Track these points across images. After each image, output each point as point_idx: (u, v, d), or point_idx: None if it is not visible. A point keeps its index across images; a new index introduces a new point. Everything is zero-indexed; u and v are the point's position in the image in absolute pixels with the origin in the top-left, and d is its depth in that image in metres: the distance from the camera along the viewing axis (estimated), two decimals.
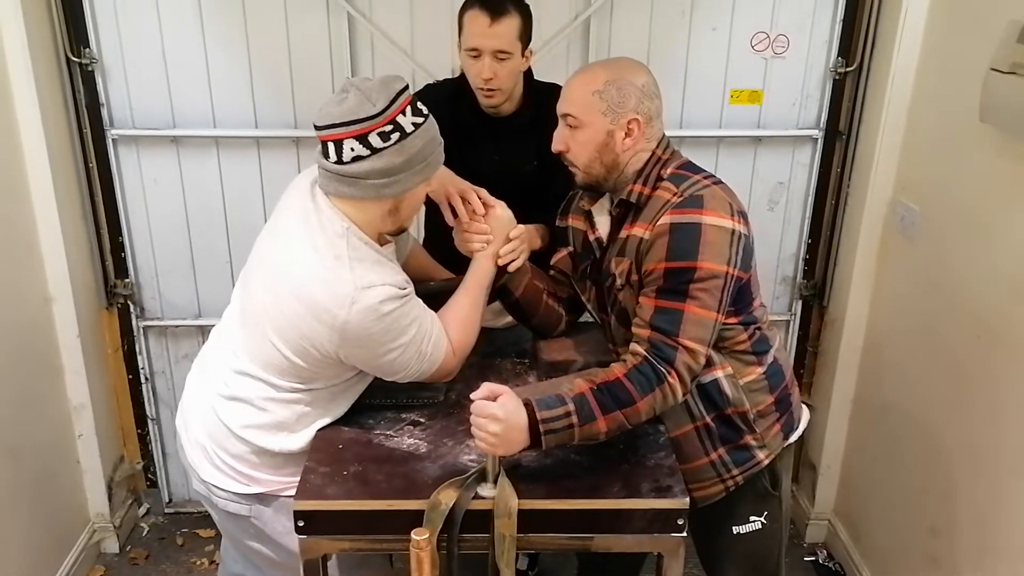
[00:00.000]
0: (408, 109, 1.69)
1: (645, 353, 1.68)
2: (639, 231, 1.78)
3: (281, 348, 1.74)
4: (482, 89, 2.22)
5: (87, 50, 2.68)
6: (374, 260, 1.74)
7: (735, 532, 1.97)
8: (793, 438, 1.97)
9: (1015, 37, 1.97)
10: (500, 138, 2.35)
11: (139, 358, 3.08)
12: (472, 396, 1.62)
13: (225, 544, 2.26)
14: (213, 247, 2.94)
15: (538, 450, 1.64)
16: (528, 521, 1.61)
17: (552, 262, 2.11)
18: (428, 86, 2.49)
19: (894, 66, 2.59)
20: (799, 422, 2.00)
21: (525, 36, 2.21)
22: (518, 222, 2.06)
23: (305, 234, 1.73)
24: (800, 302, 3.11)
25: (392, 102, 1.66)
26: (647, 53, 2.76)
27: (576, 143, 1.82)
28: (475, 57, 2.18)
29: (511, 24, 2.15)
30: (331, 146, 1.68)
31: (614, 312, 1.90)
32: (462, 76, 2.33)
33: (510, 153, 2.35)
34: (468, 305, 1.94)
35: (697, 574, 2.87)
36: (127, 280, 2.97)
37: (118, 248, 2.93)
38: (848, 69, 2.79)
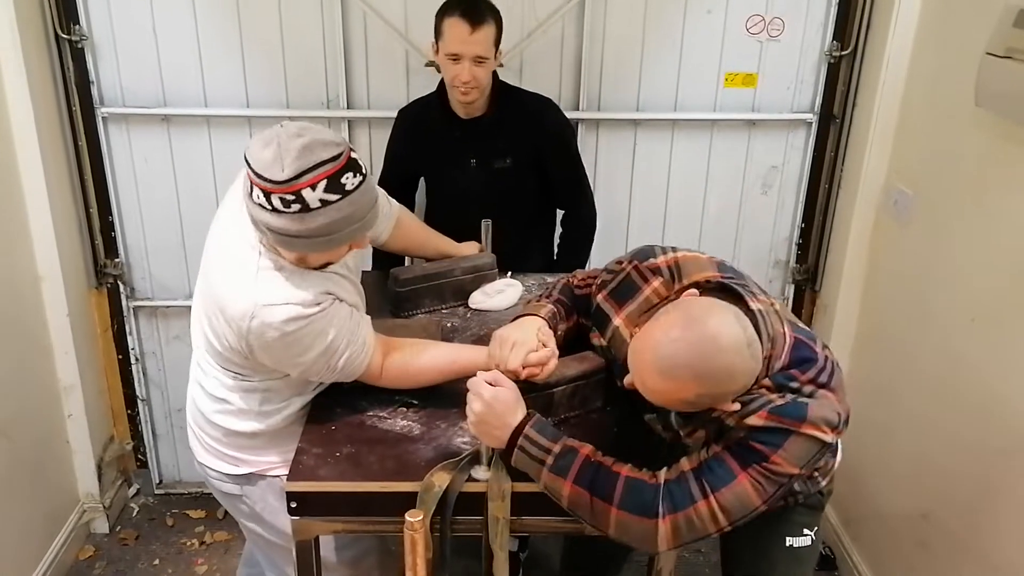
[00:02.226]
0: (322, 184, 1.54)
1: (663, 483, 1.51)
2: (722, 414, 1.52)
3: (212, 340, 1.78)
4: (459, 88, 2.36)
5: (76, 27, 2.65)
6: (287, 274, 1.67)
7: (788, 544, 1.89)
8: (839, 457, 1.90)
9: (1011, 21, 1.96)
10: (474, 140, 2.50)
11: (129, 338, 3.07)
12: (479, 374, 1.61)
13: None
14: (204, 227, 2.82)
15: (507, 458, 1.59)
16: (522, 504, 1.61)
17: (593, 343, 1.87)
18: (401, 111, 2.61)
19: (889, 50, 2.58)
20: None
21: (499, 40, 2.36)
22: (496, 221, 2.18)
23: (229, 237, 1.74)
24: (792, 286, 3.11)
25: (301, 175, 1.52)
26: (642, 35, 2.75)
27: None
28: (455, 61, 2.31)
29: (489, 31, 2.31)
30: (246, 180, 1.60)
31: (667, 432, 1.69)
32: (438, 89, 2.52)
33: (484, 153, 2.50)
34: (434, 363, 1.84)
35: (688, 558, 2.90)
36: (117, 260, 2.95)
37: (108, 227, 2.91)
38: (843, 53, 2.78)
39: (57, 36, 2.63)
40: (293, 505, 1.64)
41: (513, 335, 1.74)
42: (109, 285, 3.00)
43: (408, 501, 1.58)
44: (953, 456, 2.32)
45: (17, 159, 2.59)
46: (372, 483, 1.64)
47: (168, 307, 3.04)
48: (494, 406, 1.57)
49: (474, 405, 1.58)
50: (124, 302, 3.01)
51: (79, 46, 2.67)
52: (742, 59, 2.80)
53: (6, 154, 2.56)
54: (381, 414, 1.83)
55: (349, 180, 1.57)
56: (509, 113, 2.48)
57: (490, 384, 1.59)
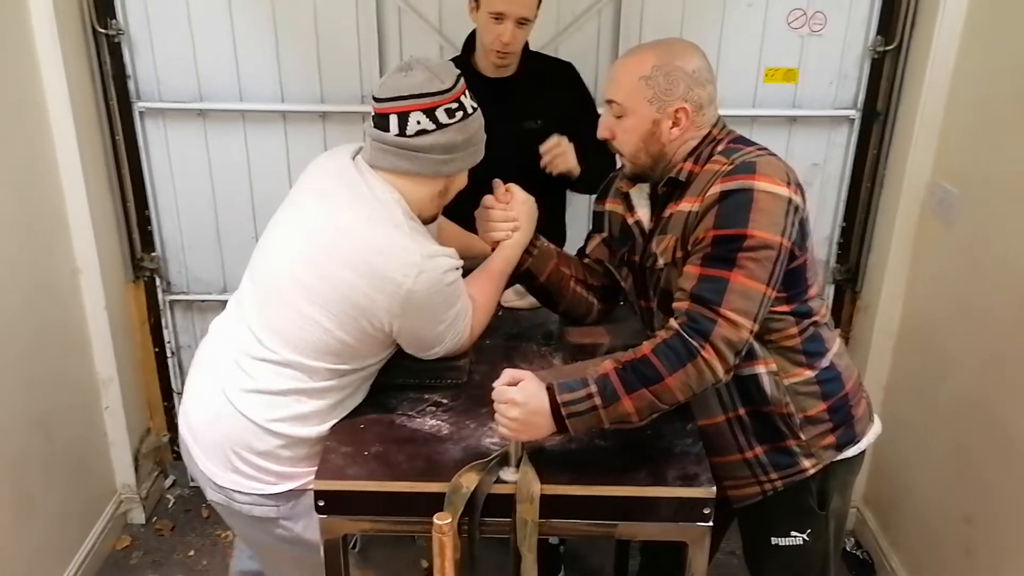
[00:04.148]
0: (466, 91, 1.73)
1: (679, 327, 1.57)
2: (686, 205, 1.68)
3: (324, 322, 1.67)
4: (498, 52, 2.29)
5: (114, 21, 2.67)
6: (425, 232, 1.73)
7: (773, 543, 1.86)
8: (850, 452, 1.81)
9: None
10: (503, 100, 2.39)
11: (165, 332, 3.09)
12: (494, 384, 1.60)
13: (239, 544, 2.19)
14: (239, 221, 2.94)
15: (565, 435, 1.60)
16: (551, 506, 1.59)
17: (587, 251, 2.05)
18: None
19: (935, 45, 2.52)
20: (861, 436, 1.82)
21: (539, 2, 2.30)
22: (529, 179, 2.07)
23: (353, 203, 1.69)
24: (833, 286, 3.05)
25: (457, 81, 1.70)
26: (680, 29, 2.71)
27: (621, 131, 1.73)
28: (497, 21, 2.24)
29: None
30: (393, 119, 1.67)
31: (656, 295, 1.81)
32: (464, 50, 2.46)
33: (514, 113, 2.40)
34: (489, 293, 1.90)
35: (721, 559, 2.86)
36: (153, 254, 2.98)
37: (144, 222, 2.94)
38: (887, 48, 2.71)
39: (94, 31, 2.65)
40: (321, 504, 1.63)
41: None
42: (146, 279, 3.02)
43: (436, 501, 1.57)
44: (998, 459, 2.26)
45: (56, 153, 2.62)
46: (400, 483, 1.63)
47: (204, 301, 3.06)
48: (529, 402, 1.55)
49: (511, 412, 1.55)
50: (160, 296, 3.04)
51: (116, 41, 2.69)
52: (783, 54, 2.75)
53: (45, 148, 2.59)
54: (410, 413, 1.82)
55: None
56: (538, 72, 2.42)
57: (510, 384, 1.58)
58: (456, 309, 1.75)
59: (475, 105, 1.74)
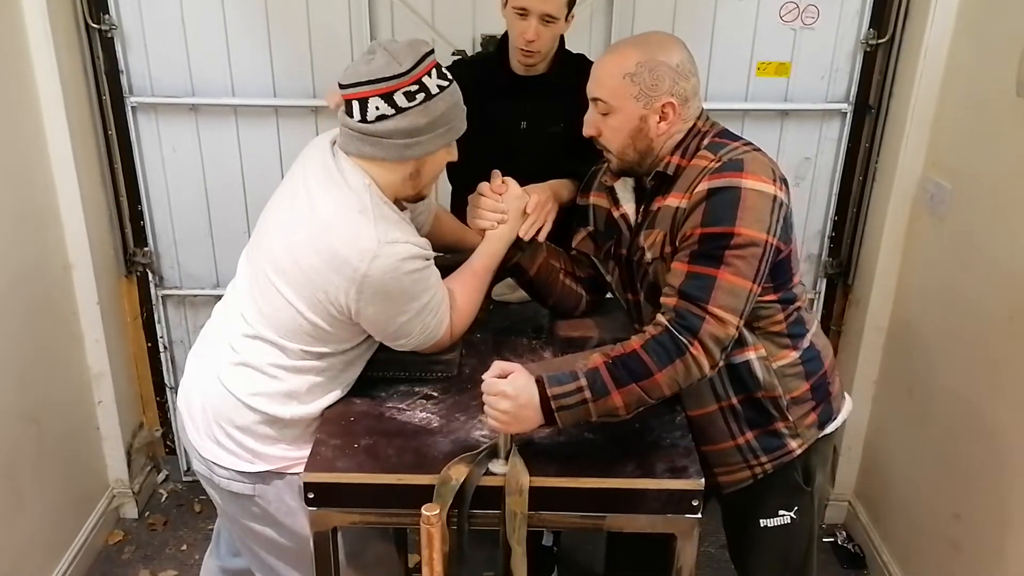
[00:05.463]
0: (433, 71, 1.68)
1: (667, 323, 1.59)
2: (674, 200, 1.71)
3: (296, 304, 1.70)
4: (523, 49, 2.22)
5: (106, 16, 2.66)
6: (396, 219, 1.71)
7: (762, 525, 1.89)
8: (829, 429, 1.87)
9: None
10: (528, 99, 2.34)
11: (158, 327, 3.09)
12: (483, 376, 1.60)
13: (219, 528, 2.21)
14: (231, 216, 2.93)
15: (553, 427, 1.61)
16: (540, 499, 1.59)
17: (573, 244, 2.05)
18: (456, 62, 2.47)
19: (927, 38, 2.52)
20: (838, 412, 1.90)
21: (572, 2, 2.21)
22: (543, 180, 2.05)
23: (326, 188, 1.71)
24: (824, 280, 3.05)
25: (418, 63, 1.66)
26: (672, 23, 2.70)
27: (608, 128, 1.74)
28: (522, 16, 2.17)
29: None
30: (355, 105, 1.67)
31: (643, 289, 1.83)
32: (500, 43, 2.36)
33: (537, 114, 2.34)
34: (473, 288, 1.90)
35: (713, 552, 2.87)
36: (146, 249, 2.98)
37: (137, 217, 2.93)
38: (880, 41, 2.71)
39: (87, 26, 2.65)
40: (311, 496, 1.63)
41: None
42: (138, 274, 3.02)
43: (425, 494, 1.57)
44: (986, 456, 2.26)
45: (48, 148, 2.62)
46: (390, 475, 1.63)
47: (196, 296, 3.06)
48: (519, 395, 1.56)
49: (501, 404, 1.56)
50: (153, 291, 3.04)
51: (109, 36, 2.69)
52: (775, 48, 2.75)
53: (38, 143, 2.59)
54: (400, 406, 1.82)
55: (446, 72, 1.72)
56: (570, 75, 2.27)
57: (499, 377, 1.58)
58: (421, 302, 1.73)
59: (443, 84, 1.69)
